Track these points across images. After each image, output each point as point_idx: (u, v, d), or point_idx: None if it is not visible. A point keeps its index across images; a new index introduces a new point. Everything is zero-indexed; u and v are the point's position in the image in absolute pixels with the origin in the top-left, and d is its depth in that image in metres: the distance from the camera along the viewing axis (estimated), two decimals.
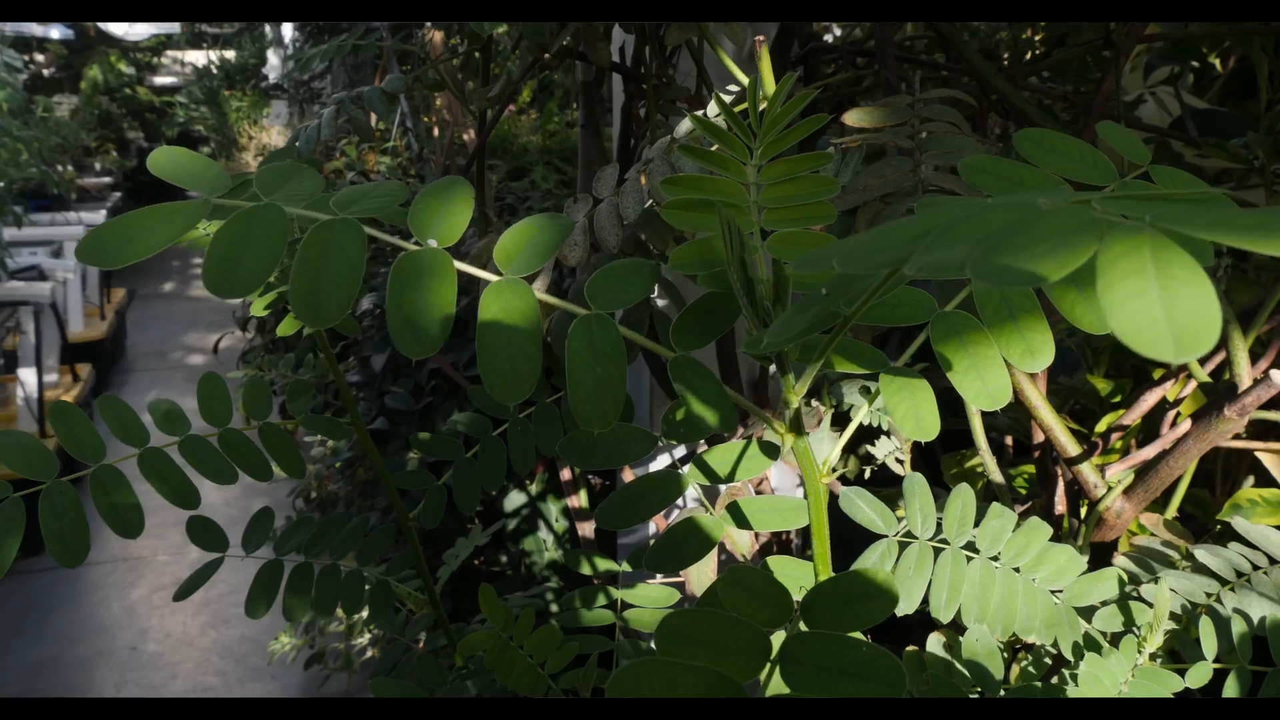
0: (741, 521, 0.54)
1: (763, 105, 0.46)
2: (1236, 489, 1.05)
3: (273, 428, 0.80)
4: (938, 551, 0.70)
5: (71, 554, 0.69)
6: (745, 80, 0.74)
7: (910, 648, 0.76)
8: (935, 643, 0.75)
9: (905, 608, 0.69)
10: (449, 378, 1.68)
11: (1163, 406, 0.95)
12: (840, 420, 0.81)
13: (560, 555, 1.76)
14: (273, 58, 6.48)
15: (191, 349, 5.16)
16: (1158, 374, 1.08)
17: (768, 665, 0.37)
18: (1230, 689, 0.66)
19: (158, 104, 7.23)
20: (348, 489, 2.01)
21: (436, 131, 2.64)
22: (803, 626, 0.41)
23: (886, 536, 0.70)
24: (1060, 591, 0.70)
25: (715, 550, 0.81)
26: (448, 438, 0.90)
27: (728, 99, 0.78)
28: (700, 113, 0.80)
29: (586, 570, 0.99)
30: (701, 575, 0.81)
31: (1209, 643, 0.67)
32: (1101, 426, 1.01)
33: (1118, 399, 1.02)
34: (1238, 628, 0.67)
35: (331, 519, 0.96)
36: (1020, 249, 0.28)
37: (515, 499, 1.77)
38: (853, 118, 0.79)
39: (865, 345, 0.45)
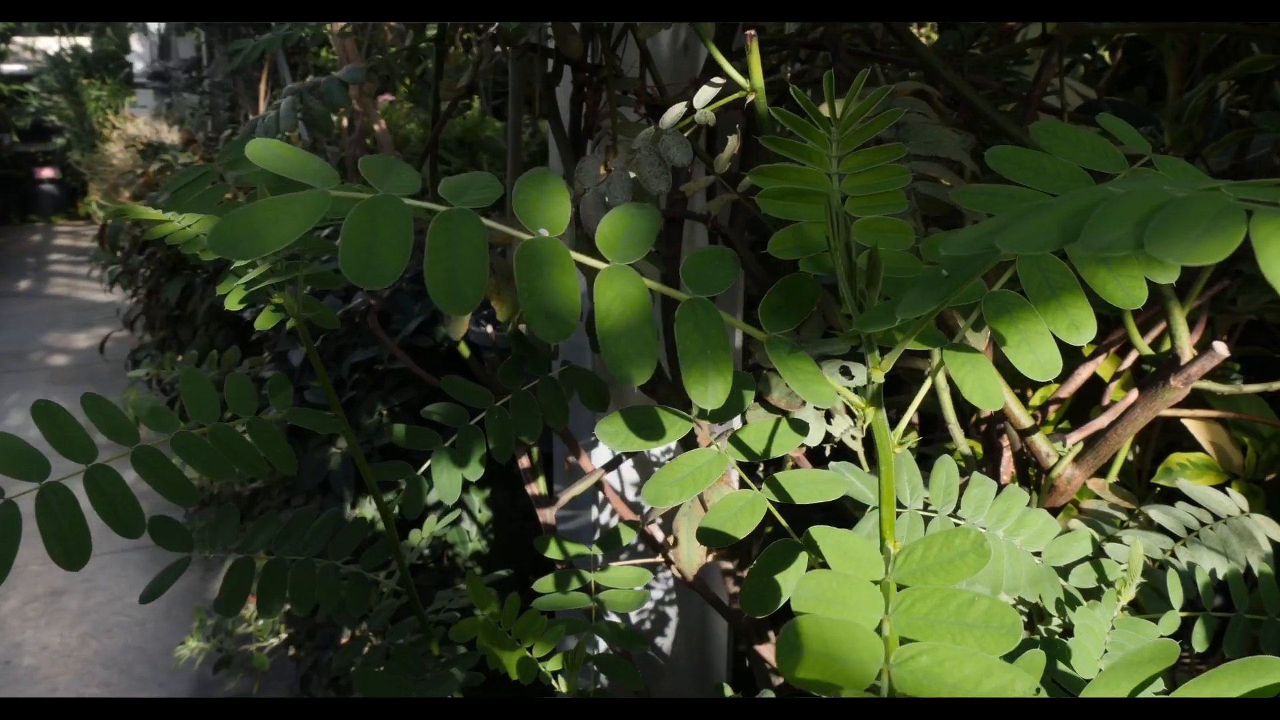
0: (783, 495, 0.57)
1: (750, 97, 0.49)
2: (1151, 455, 1.13)
3: (261, 423, 0.79)
4: (927, 520, 0.74)
5: (74, 556, 0.68)
6: (735, 74, 0.76)
7: None
8: None
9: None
10: (371, 371, 1.66)
11: (1093, 382, 1.02)
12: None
13: (483, 545, 1.77)
14: (137, 45, 6.22)
15: (53, 349, 4.92)
16: (1088, 350, 1.16)
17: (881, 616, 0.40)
18: (1199, 634, 0.72)
19: (6, 93, 6.85)
20: (252, 486, 1.97)
21: (346, 123, 2.60)
22: (894, 585, 0.44)
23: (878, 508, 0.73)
24: (1039, 553, 0.75)
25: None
26: (426, 430, 0.90)
27: (711, 92, 0.81)
28: (682, 104, 0.83)
29: (556, 554, 1.00)
30: (691, 555, 0.83)
31: (1176, 593, 0.73)
32: (1037, 400, 1.07)
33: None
34: (1201, 578, 0.73)
35: (300, 515, 0.95)
36: (1181, 232, 0.31)
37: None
38: (827, 109, 0.83)
39: (930, 326, 0.48)
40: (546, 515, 1.10)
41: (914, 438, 0.97)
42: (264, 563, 0.91)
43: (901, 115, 0.49)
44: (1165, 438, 1.17)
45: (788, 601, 0.62)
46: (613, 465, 1.11)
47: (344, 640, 1.91)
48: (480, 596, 0.88)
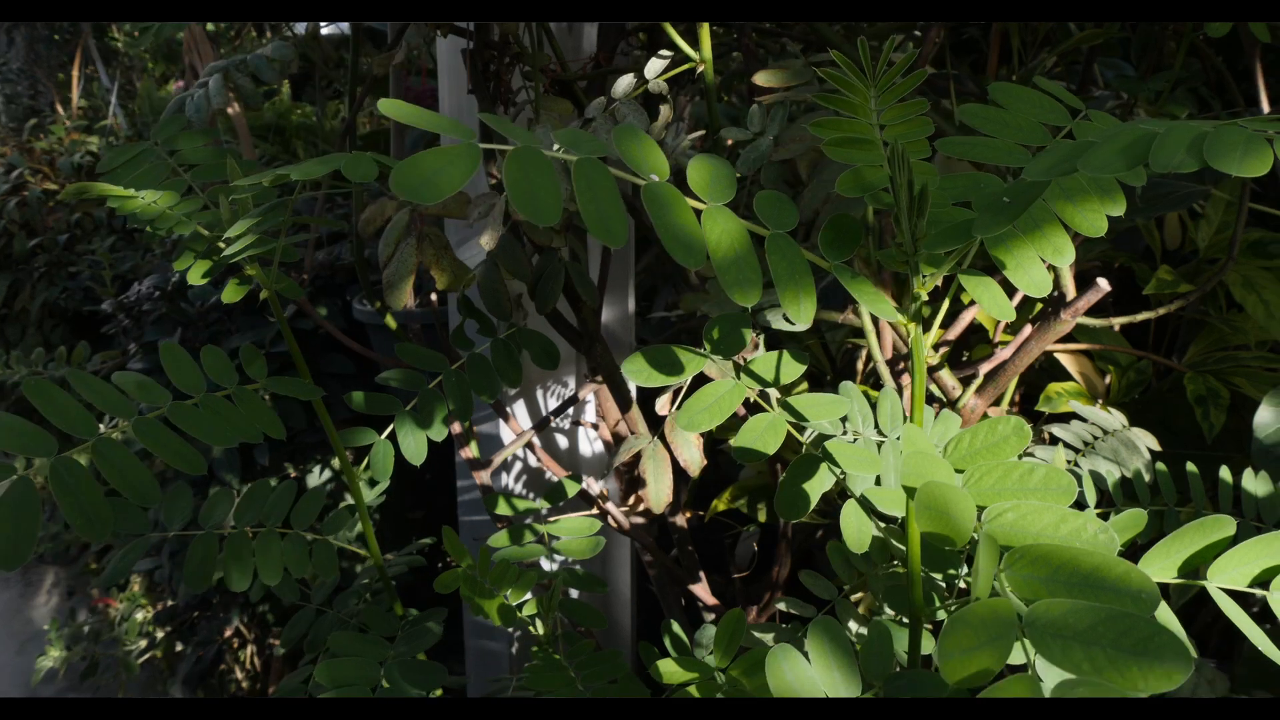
0: (797, 415, 0.65)
1: (700, 68, 0.56)
2: (1022, 390, 1.26)
3: (246, 392, 0.81)
4: (879, 444, 0.83)
5: (96, 526, 0.69)
6: (687, 49, 0.83)
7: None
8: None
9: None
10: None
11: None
12: (772, 344, 0.92)
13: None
14: None
15: None
16: (966, 299, 1.28)
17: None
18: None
19: None
20: None
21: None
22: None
23: (835, 436, 0.82)
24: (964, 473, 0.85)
25: (671, 469, 0.91)
26: (387, 396, 0.93)
27: (661, 64, 0.87)
28: (631, 75, 0.89)
29: (505, 510, 1.05)
30: (659, 493, 0.90)
31: (1090, 493, 0.85)
32: (930, 340, 1.18)
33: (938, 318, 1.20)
34: (1111, 479, 0.85)
35: (257, 487, 0.97)
36: (1227, 152, 0.40)
37: (318, 476, 1.76)
38: (762, 78, 0.91)
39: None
40: (482, 476, 1.14)
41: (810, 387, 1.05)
42: (230, 535, 0.93)
43: (926, 75, 0.57)
44: (1025, 378, 1.31)
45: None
46: (541, 425, 1.16)
47: (228, 633, 1.89)
48: (456, 549, 0.92)
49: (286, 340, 0.87)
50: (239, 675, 2.04)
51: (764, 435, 0.63)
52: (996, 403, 1.07)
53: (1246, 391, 1.09)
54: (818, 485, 0.64)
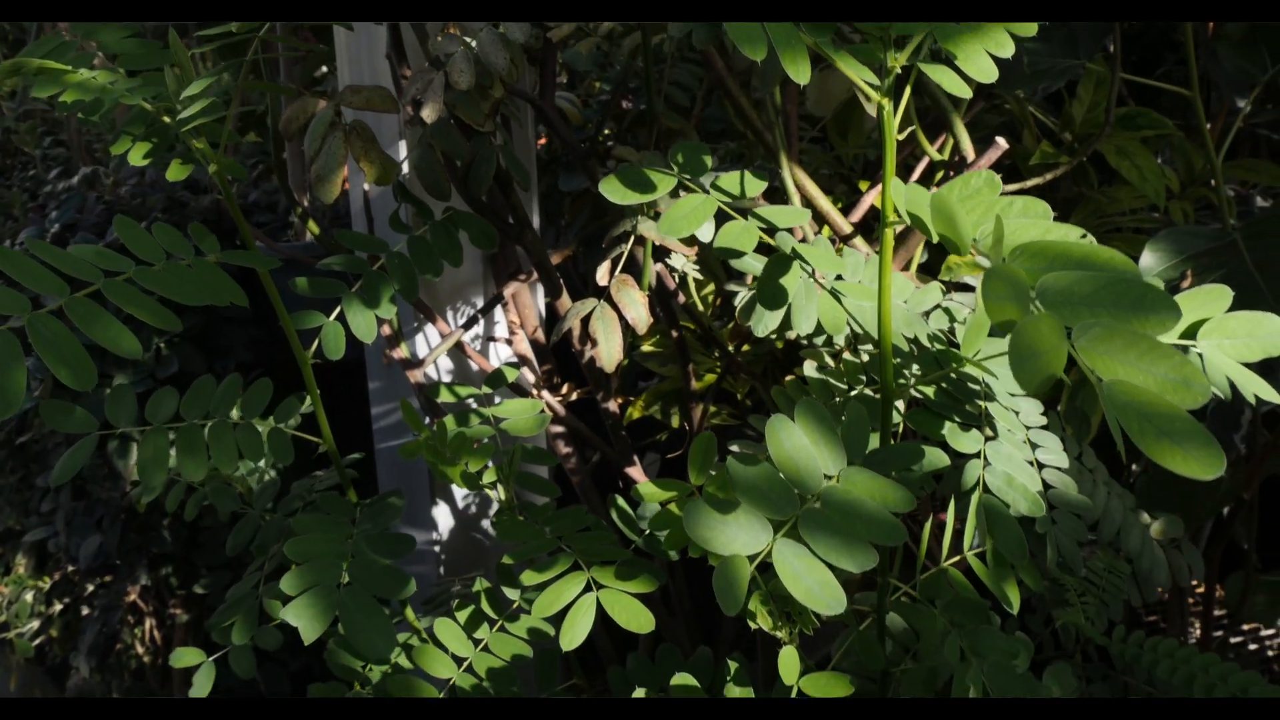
0: (766, 222, 0.69)
1: None
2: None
3: (204, 263, 0.81)
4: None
5: (82, 375, 0.69)
6: None
7: (789, 376, 0.94)
8: (810, 368, 0.94)
9: (806, 327, 0.87)
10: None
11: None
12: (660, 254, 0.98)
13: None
14: None
15: None
16: (864, 185, 1.35)
17: None
18: None
19: None
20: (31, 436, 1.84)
21: None
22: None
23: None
24: (906, 302, 0.91)
25: (620, 328, 0.94)
26: (331, 280, 0.94)
27: None
28: None
29: (449, 397, 1.07)
30: (610, 352, 0.93)
31: None
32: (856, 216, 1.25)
33: (840, 205, 1.27)
34: None
35: (202, 382, 0.96)
36: None
37: None
38: None
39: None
40: (415, 375, 1.15)
41: None
42: (182, 427, 0.92)
43: None
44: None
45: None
46: (469, 324, 1.18)
47: (131, 597, 1.84)
48: (415, 422, 0.94)
49: (235, 216, 0.87)
50: (139, 650, 1.99)
51: (739, 238, 0.67)
52: (905, 267, 1.14)
53: (1123, 251, 1.19)
54: (791, 280, 0.68)
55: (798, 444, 0.62)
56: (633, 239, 0.98)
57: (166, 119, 0.83)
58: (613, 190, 0.68)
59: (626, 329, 0.94)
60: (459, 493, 1.44)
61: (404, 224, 1.01)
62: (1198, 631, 1.38)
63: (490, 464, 0.95)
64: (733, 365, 1.21)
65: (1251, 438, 1.18)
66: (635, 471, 1.17)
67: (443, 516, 1.43)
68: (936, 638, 0.80)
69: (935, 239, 0.55)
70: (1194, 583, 1.50)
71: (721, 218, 0.71)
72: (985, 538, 0.76)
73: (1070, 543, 0.82)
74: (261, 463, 1.70)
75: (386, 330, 1.16)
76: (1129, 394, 0.40)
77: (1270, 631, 1.67)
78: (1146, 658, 0.85)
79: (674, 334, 1.19)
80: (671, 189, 0.69)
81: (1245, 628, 1.66)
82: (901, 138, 1.10)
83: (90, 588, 1.94)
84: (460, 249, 0.98)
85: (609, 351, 0.92)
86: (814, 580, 0.56)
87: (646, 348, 1.39)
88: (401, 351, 1.16)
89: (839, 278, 0.77)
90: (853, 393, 0.85)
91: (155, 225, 0.82)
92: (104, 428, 0.96)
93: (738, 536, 0.57)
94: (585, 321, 0.94)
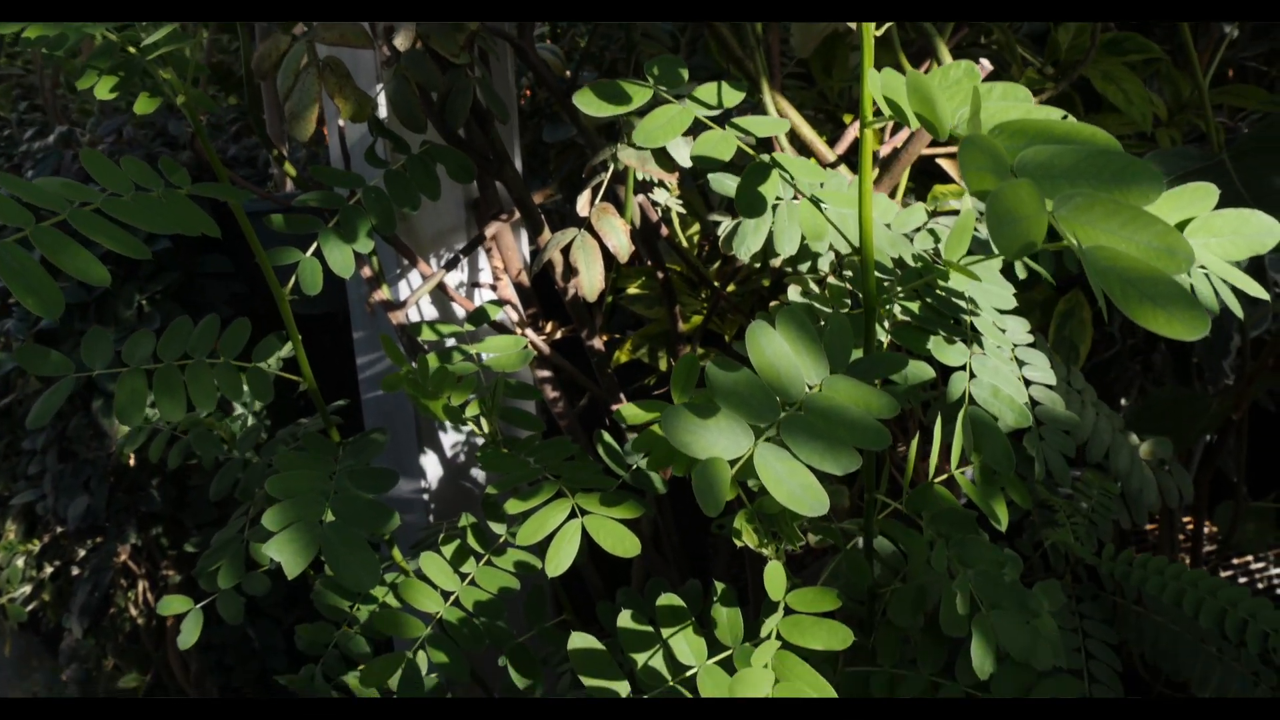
0: (744, 131, 0.68)
1: None
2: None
3: (173, 193, 0.80)
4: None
5: (49, 303, 0.67)
6: None
7: (773, 302, 0.93)
8: (794, 293, 0.93)
9: (789, 249, 0.86)
10: (122, 260, 1.59)
11: None
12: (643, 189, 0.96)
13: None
14: None
15: None
16: (848, 119, 1.34)
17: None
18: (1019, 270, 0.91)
19: None
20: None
21: None
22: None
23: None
24: (889, 224, 0.90)
25: (601, 256, 0.93)
26: (307, 215, 0.93)
27: None
28: None
29: (430, 335, 1.06)
30: (592, 280, 0.92)
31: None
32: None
33: (824, 137, 1.25)
34: None
35: (179, 323, 0.95)
36: None
37: None
38: None
39: None
40: (398, 316, 1.14)
41: None
42: (160, 368, 0.91)
43: None
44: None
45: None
46: (451, 264, 1.17)
47: (121, 557, 1.83)
48: (395, 355, 0.93)
49: (201, 141, 0.85)
50: (133, 612, 1.98)
51: (717, 146, 0.66)
52: (891, 195, 1.13)
53: None
54: (770, 188, 0.67)
55: (779, 350, 0.61)
56: (613, 170, 0.97)
57: (131, 49, 0.81)
58: (587, 102, 0.67)
59: (608, 258, 0.93)
60: (447, 440, 1.43)
61: (380, 159, 0.99)
62: (1188, 563, 1.38)
63: (474, 398, 0.94)
64: (719, 303, 1.20)
65: (1240, 367, 1.18)
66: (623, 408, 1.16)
67: (431, 465, 1.42)
68: (924, 556, 0.79)
69: (914, 124, 0.54)
70: (1185, 520, 1.50)
71: (701, 131, 0.70)
72: (972, 453, 0.75)
73: (1058, 459, 0.81)
74: (245, 410, 1.69)
75: (367, 272, 1.15)
76: (1111, 259, 0.39)
77: (1260, 565, 1.67)
78: (1136, 575, 0.85)
79: (660, 275, 1.18)
80: (647, 100, 0.68)
81: (1235, 561, 1.66)
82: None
83: (82, 552, 1.93)
84: (437, 182, 0.96)
85: (590, 280, 0.91)
86: (796, 483, 0.56)
87: (632, 290, 1.38)
88: (384, 294, 1.14)
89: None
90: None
91: (124, 159, 0.81)
92: (82, 372, 0.95)
93: (718, 441, 0.56)
94: (566, 253, 0.92)
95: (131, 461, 1.79)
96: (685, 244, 1.31)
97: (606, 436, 1.01)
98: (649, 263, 1.16)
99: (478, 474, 1.46)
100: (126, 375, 0.91)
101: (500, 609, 0.91)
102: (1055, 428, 0.82)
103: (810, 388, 0.62)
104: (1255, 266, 1.21)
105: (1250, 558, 1.67)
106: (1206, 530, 1.61)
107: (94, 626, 1.99)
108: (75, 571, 1.86)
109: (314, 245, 0.93)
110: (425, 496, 1.42)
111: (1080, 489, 0.94)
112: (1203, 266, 0.68)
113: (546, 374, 1.22)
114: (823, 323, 0.86)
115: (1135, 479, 0.93)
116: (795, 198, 0.82)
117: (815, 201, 0.71)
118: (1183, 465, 1.07)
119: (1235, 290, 0.66)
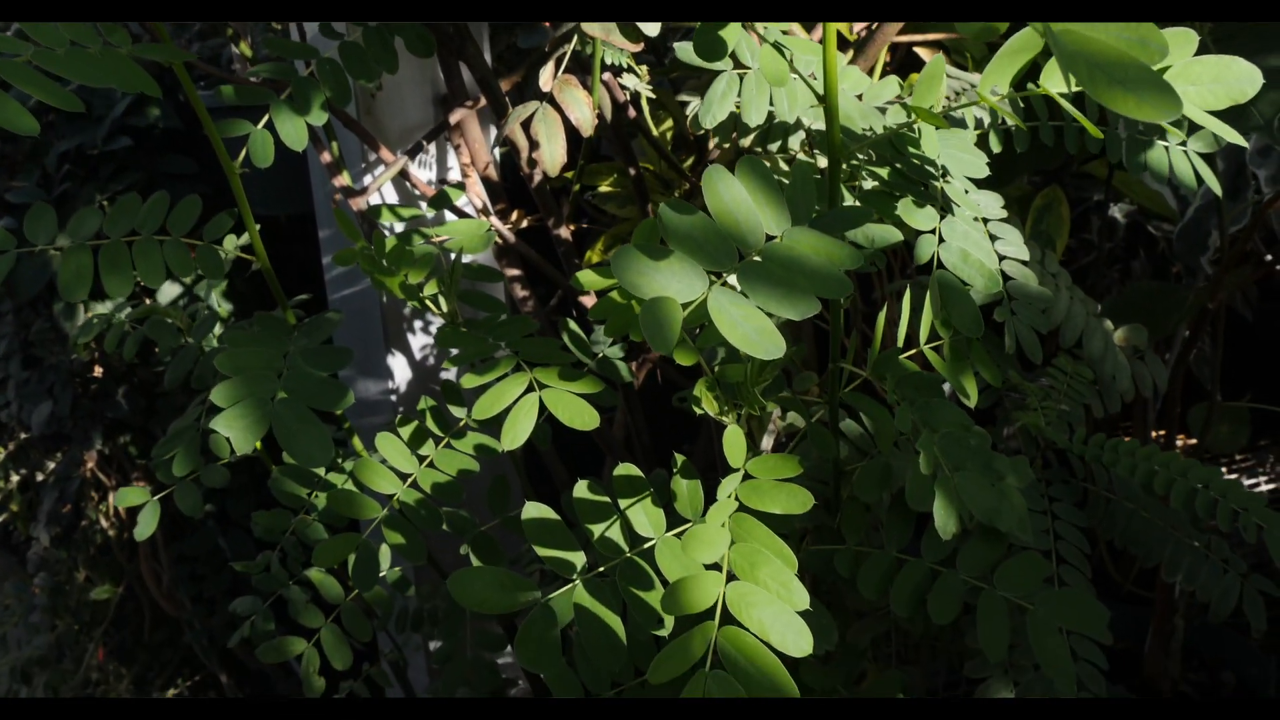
0: None
1: None
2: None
3: (111, 51, 0.76)
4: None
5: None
6: None
7: None
8: None
9: (757, 119, 0.83)
10: (82, 159, 1.55)
11: None
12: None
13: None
14: None
15: None
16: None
17: None
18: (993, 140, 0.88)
19: None
20: None
21: None
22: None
23: (726, 72, 0.83)
24: (860, 95, 0.87)
25: (563, 129, 0.90)
26: (257, 86, 0.89)
27: None
28: None
29: (391, 218, 1.03)
30: (554, 154, 0.89)
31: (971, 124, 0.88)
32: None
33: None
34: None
35: (126, 199, 0.91)
36: None
37: (170, 290, 1.68)
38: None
39: None
40: (359, 202, 1.11)
41: None
42: (105, 245, 0.88)
43: None
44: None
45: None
46: (414, 152, 1.13)
47: (88, 464, 1.81)
48: (350, 231, 0.90)
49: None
50: (104, 524, 1.96)
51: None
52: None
53: None
54: (731, 34, 0.64)
55: (738, 196, 0.58)
56: (575, 47, 0.93)
57: None
58: None
59: (573, 135, 0.89)
60: (415, 343, 1.41)
61: (336, 32, 0.95)
62: None
63: (434, 278, 0.92)
64: (693, 195, 1.17)
65: (1218, 262, 1.16)
66: (588, 300, 1.13)
67: (399, 367, 1.39)
68: (891, 432, 0.77)
69: None
70: (1159, 433, 1.49)
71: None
72: (940, 322, 0.73)
73: (1029, 334, 0.79)
74: (206, 293, 1.66)
75: (326, 158, 1.12)
76: (1079, 44, 0.37)
77: (1233, 475, 1.67)
78: (1107, 456, 0.83)
79: (632, 172, 1.15)
80: None
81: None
82: None
83: (51, 464, 1.91)
84: (395, 55, 0.93)
85: (552, 154, 0.88)
86: (751, 327, 0.53)
87: (604, 188, 1.35)
88: (344, 179, 1.11)
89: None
90: None
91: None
92: (25, 247, 0.92)
93: (670, 283, 0.54)
94: (528, 128, 0.89)
95: (98, 371, 1.76)
96: (654, 130, 1.28)
97: (572, 324, 0.99)
98: (622, 161, 1.13)
99: (448, 376, 1.43)
100: (71, 250, 0.88)
101: (458, 491, 0.89)
102: (1027, 301, 0.80)
103: (771, 238, 0.59)
104: (1237, 165, 1.18)
105: (1224, 468, 1.67)
106: (1180, 442, 1.60)
107: (65, 538, 1.97)
108: (41, 478, 1.84)
109: (265, 117, 0.89)
110: (393, 399, 1.40)
111: (1053, 374, 0.92)
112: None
113: (516, 272, 1.19)
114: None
115: (1109, 364, 0.91)
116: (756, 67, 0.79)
117: (778, 48, 0.68)
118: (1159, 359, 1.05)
119: (1215, 170, 0.64)
